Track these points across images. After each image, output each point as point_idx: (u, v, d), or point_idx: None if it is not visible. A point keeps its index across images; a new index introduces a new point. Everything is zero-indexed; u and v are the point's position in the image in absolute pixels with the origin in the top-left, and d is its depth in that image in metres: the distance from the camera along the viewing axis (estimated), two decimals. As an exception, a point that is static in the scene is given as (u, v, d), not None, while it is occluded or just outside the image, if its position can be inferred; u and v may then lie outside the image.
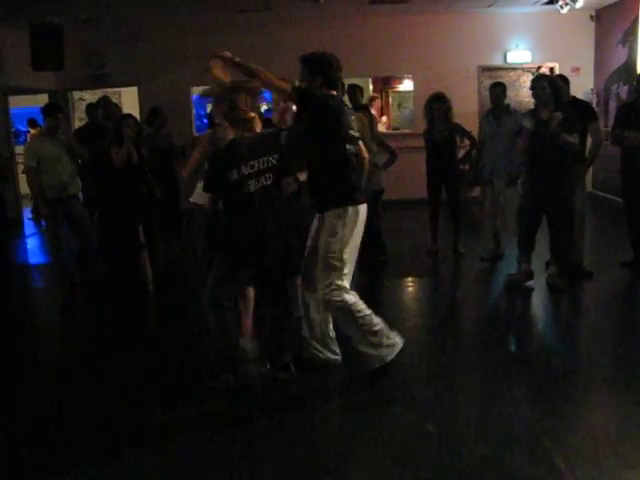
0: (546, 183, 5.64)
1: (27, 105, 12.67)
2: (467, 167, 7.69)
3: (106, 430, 3.72)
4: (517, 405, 3.84)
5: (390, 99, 13.62)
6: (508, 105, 7.04)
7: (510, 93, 10.73)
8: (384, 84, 13.46)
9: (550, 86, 5.59)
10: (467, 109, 10.15)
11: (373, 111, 8.87)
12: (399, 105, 13.45)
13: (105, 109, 7.78)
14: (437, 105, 7.10)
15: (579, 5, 9.26)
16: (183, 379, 4.36)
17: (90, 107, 8.32)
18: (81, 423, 3.82)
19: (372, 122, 7.38)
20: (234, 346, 4.09)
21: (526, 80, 11.28)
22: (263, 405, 3.92)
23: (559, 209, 5.71)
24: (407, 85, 12.57)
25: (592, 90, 11.05)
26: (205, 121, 11.83)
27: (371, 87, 12.87)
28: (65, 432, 3.73)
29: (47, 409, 4.05)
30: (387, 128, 12.82)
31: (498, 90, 6.90)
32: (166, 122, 7.82)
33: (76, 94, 12.15)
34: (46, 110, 6.45)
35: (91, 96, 11.39)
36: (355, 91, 7.69)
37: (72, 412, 3.96)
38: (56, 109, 6.56)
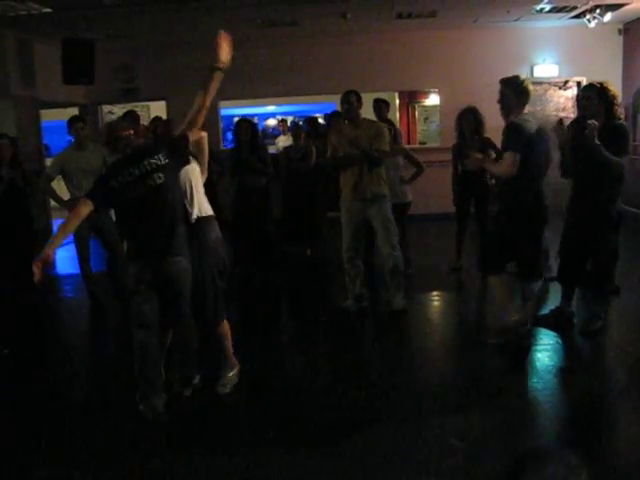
0: (584, 211, 5.04)
1: (58, 119, 12.87)
2: (494, 182, 7.65)
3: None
4: (543, 421, 3.82)
5: (416, 113, 13.63)
6: None
7: (537, 107, 10.74)
8: (410, 98, 13.49)
9: (599, 96, 4.91)
10: (493, 124, 9.98)
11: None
12: (425, 119, 13.47)
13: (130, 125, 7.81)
14: (468, 119, 7.06)
15: (607, 19, 9.23)
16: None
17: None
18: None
19: (397, 135, 7.41)
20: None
21: (553, 94, 11.26)
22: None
23: (598, 245, 5.06)
24: (433, 99, 12.58)
25: (621, 104, 10.94)
26: (229, 135, 11.97)
27: (397, 101, 12.91)
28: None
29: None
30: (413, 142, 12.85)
31: None
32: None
33: (105, 107, 12.33)
34: (68, 122, 6.59)
35: (120, 110, 11.54)
36: (380, 105, 7.75)
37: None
38: (76, 119, 6.67)
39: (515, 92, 4.81)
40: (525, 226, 4.73)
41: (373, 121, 6.02)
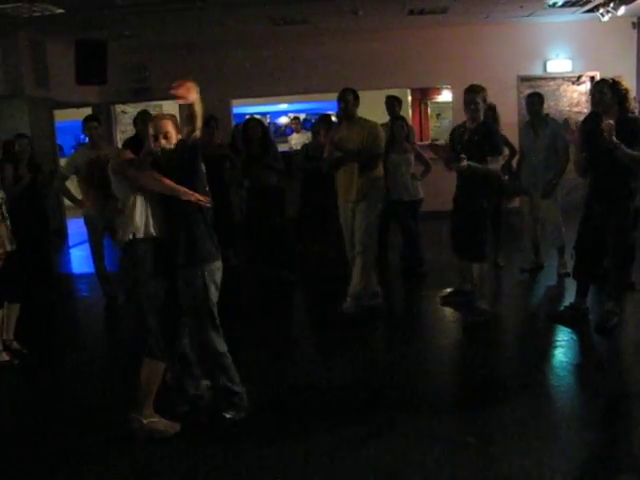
0: (602, 208, 5.00)
1: (71, 118, 12.93)
2: (507, 178, 7.61)
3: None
4: (559, 419, 3.80)
5: (429, 110, 13.59)
6: (546, 115, 6.95)
7: (550, 103, 10.66)
8: (422, 95, 13.45)
9: (612, 91, 4.90)
10: (506, 119, 9.95)
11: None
12: (438, 116, 13.43)
13: (143, 124, 7.78)
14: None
15: (620, 13, 9.15)
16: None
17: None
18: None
19: (409, 132, 7.39)
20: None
21: (566, 89, 11.19)
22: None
23: (615, 241, 5.00)
24: (446, 96, 12.53)
25: (635, 99, 10.85)
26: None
27: (409, 98, 12.88)
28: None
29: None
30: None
31: (533, 100, 6.81)
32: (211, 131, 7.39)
33: (118, 107, 12.38)
34: (82, 122, 6.63)
35: (133, 109, 11.59)
36: (393, 102, 7.73)
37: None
38: (90, 119, 6.72)
39: (483, 99, 5.39)
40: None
41: (368, 121, 5.90)
